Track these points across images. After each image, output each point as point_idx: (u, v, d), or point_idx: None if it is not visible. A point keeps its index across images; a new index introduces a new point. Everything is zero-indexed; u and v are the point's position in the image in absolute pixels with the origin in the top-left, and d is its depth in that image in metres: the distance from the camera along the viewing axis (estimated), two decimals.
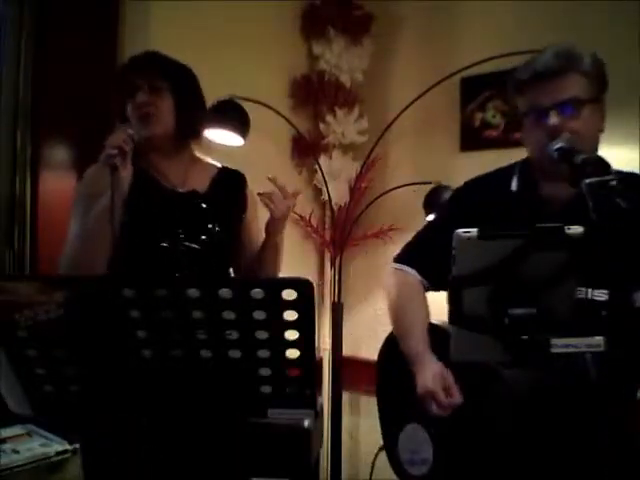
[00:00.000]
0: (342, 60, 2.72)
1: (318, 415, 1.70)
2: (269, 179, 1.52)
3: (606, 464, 1.24)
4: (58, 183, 2.10)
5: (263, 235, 1.59)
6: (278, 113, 2.39)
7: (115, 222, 1.35)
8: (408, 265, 1.49)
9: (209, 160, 1.67)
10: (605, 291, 1.23)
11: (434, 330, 1.40)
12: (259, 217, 1.66)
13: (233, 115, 2.16)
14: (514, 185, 1.39)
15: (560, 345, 0.98)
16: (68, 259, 1.44)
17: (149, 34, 2.16)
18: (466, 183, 1.50)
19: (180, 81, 1.54)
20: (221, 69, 2.24)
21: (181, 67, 1.59)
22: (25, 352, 0.96)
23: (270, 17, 2.58)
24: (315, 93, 2.76)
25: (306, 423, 1.53)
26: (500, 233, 1.02)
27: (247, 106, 2.22)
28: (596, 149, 1.31)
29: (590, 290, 1.24)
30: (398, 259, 1.53)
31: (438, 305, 1.44)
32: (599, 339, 0.98)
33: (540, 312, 1.01)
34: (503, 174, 1.43)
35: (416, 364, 1.34)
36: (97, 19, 2.15)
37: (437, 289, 1.48)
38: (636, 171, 1.47)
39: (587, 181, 1.08)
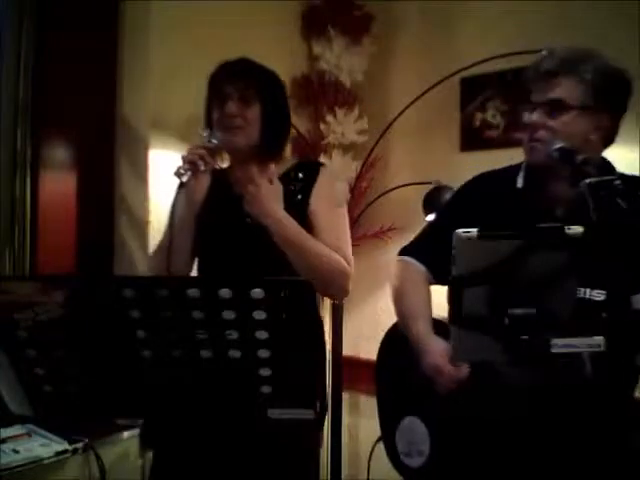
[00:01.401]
0: (342, 60, 2.71)
1: (318, 415, 1.70)
2: None
3: (601, 462, 1.25)
4: (58, 183, 2.10)
5: (341, 226, 1.49)
6: None
7: (181, 239, 1.40)
8: (413, 257, 1.50)
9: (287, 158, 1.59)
10: (603, 291, 1.24)
11: (436, 325, 1.40)
12: (337, 207, 1.52)
13: None
14: (520, 182, 1.40)
15: (560, 345, 0.98)
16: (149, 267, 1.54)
17: (149, 34, 2.16)
18: (474, 177, 1.50)
19: (270, 94, 1.50)
20: None
21: (273, 78, 1.55)
22: (25, 352, 0.96)
23: (270, 17, 2.58)
24: (315, 93, 2.76)
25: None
26: (500, 233, 1.02)
27: None
28: (598, 155, 1.32)
29: (588, 290, 1.24)
30: (403, 251, 1.54)
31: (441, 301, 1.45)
32: (599, 339, 0.98)
33: (540, 312, 1.01)
34: (510, 171, 1.44)
35: (421, 344, 1.34)
36: (97, 19, 2.15)
37: (442, 283, 1.48)
38: (636, 171, 1.47)
39: (587, 181, 1.08)
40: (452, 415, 1.33)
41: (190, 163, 1.37)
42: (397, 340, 1.45)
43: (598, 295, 1.24)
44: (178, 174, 1.37)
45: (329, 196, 1.50)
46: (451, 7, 2.61)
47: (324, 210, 1.47)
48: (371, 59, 2.77)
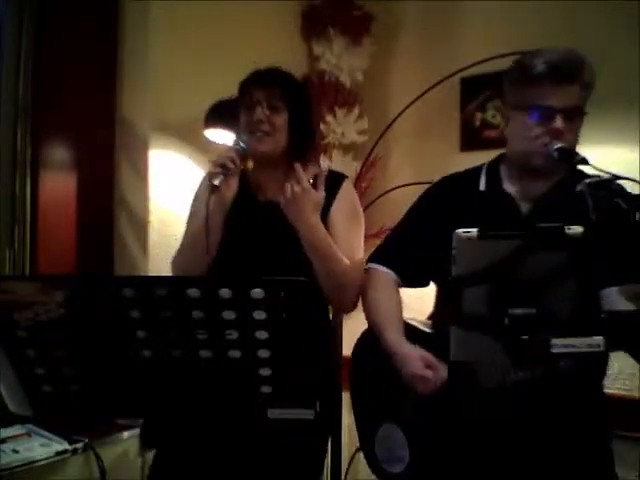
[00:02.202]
0: (342, 60, 2.71)
1: (318, 415, 1.70)
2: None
3: (575, 461, 1.26)
4: (58, 183, 2.10)
5: (357, 239, 1.53)
6: None
7: (211, 239, 1.41)
8: (381, 264, 1.50)
9: (314, 166, 1.59)
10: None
11: (407, 329, 1.41)
12: (356, 222, 1.55)
13: (233, 115, 2.15)
14: (482, 185, 1.42)
15: (560, 345, 0.98)
16: (174, 265, 1.55)
17: (149, 34, 2.15)
18: (438, 181, 1.52)
19: (298, 103, 1.54)
20: (221, 69, 2.24)
21: (301, 88, 1.60)
22: (25, 352, 0.96)
23: (270, 17, 2.58)
24: (315, 93, 2.76)
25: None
26: (500, 233, 1.02)
27: None
28: None
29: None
30: (371, 258, 1.54)
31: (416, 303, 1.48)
32: (599, 339, 0.98)
33: (540, 312, 1.01)
34: (472, 174, 1.45)
35: (396, 354, 1.34)
36: (97, 19, 2.15)
37: (411, 286, 1.50)
38: (636, 171, 1.48)
39: (587, 181, 1.08)
40: (429, 420, 1.33)
41: (222, 166, 1.41)
42: (371, 343, 1.45)
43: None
44: (211, 177, 1.40)
45: (349, 209, 1.54)
46: (451, 7, 2.61)
47: (343, 222, 1.51)
48: (371, 59, 2.77)
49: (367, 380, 1.53)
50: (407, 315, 1.47)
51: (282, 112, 1.50)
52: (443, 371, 1.26)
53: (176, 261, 1.55)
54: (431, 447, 1.34)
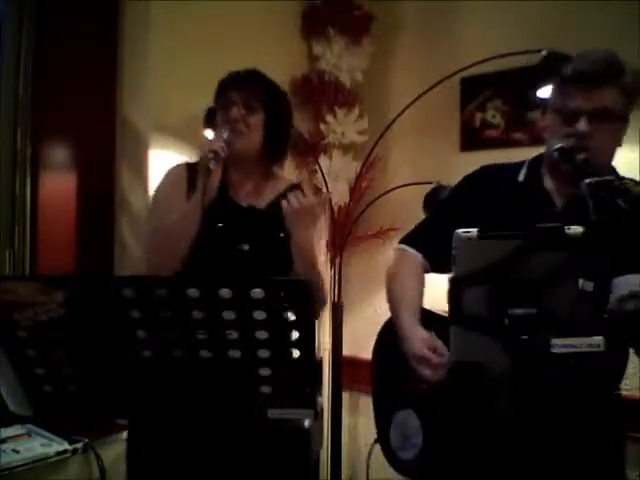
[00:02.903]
0: (342, 60, 2.71)
1: (318, 415, 1.70)
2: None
3: (587, 461, 1.26)
4: (58, 183, 2.10)
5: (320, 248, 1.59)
6: None
7: (189, 233, 1.44)
8: (412, 246, 1.51)
9: (285, 177, 1.70)
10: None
11: (425, 315, 1.40)
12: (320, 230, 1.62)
13: None
14: (522, 176, 1.43)
15: (560, 345, 0.98)
16: (151, 253, 1.53)
17: (149, 34, 2.16)
18: (477, 170, 1.52)
19: (273, 105, 1.58)
20: (221, 69, 2.24)
21: (277, 91, 1.63)
22: (25, 352, 0.96)
23: (270, 17, 2.58)
24: (315, 93, 2.76)
25: (306, 423, 1.53)
26: (500, 233, 1.02)
27: None
28: (610, 162, 1.33)
29: (581, 281, 1.24)
30: (403, 240, 1.56)
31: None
32: (599, 339, 0.98)
33: (540, 312, 1.01)
34: (514, 166, 1.47)
35: (404, 332, 1.35)
36: (97, 19, 2.15)
37: (439, 271, 1.47)
38: (636, 171, 1.48)
39: (587, 181, 1.08)
40: (444, 408, 1.32)
41: (214, 152, 1.45)
42: (391, 333, 1.46)
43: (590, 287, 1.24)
44: (205, 161, 1.45)
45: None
46: (451, 7, 2.61)
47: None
48: (371, 59, 2.77)
49: (386, 368, 1.54)
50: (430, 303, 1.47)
51: (258, 112, 1.54)
52: (445, 359, 1.26)
53: (151, 260, 1.52)
54: (443, 437, 1.35)
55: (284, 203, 1.47)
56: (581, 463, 1.27)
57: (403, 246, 1.53)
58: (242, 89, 1.54)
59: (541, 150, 1.42)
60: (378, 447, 1.55)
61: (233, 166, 1.58)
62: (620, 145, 1.33)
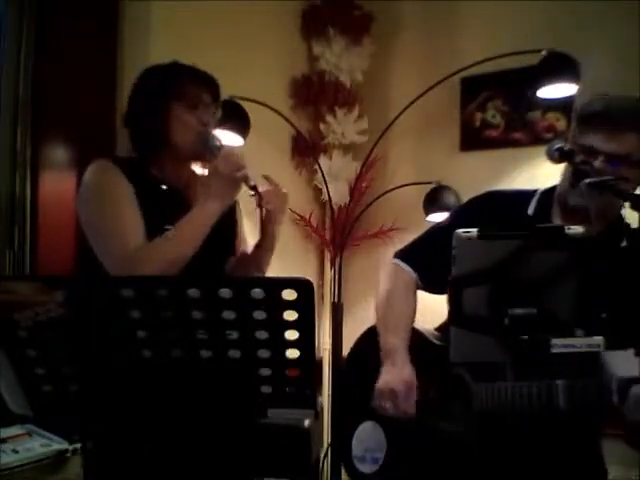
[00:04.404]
0: (342, 60, 2.72)
1: (318, 415, 1.70)
2: (264, 177, 1.51)
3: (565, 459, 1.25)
4: (58, 183, 2.10)
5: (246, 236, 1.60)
6: (278, 113, 2.39)
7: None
8: (405, 262, 1.49)
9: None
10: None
11: (417, 336, 1.41)
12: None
13: (233, 115, 2.15)
14: (531, 209, 1.40)
15: (560, 345, 0.98)
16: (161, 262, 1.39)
17: (149, 34, 2.16)
18: (483, 195, 1.49)
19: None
20: (221, 69, 2.23)
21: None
22: (25, 352, 0.96)
23: (270, 17, 2.58)
24: (315, 93, 2.76)
25: (306, 423, 1.53)
26: (500, 233, 1.02)
27: (247, 106, 2.21)
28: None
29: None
30: (397, 254, 1.54)
31: (429, 311, 1.45)
32: (599, 339, 0.98)
33: (540, 312, 1.01)
34: (524, 195, 1.43)
35: (389, 359, 1.34)
36: (97, 19, 2.15)
37: (430, 290, 1.48)
38: None
39: (587, 181, 1.08)
40: (412, 426, 1.32)
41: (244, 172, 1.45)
42: (368, 342, 1.45)
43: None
44: (247, 179, 1.44)
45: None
46: (451, 7, 2.62)
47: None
48: (371, 59, 2.78)
49: (359, 375, 1.51)
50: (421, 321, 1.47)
51: (215, 113, 1.53)
52: (413, 408, 1.29)
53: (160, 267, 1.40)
54: (408, 452, 1.34)
55: (264, 204, 1.46)
56: (562, 461, 1.26)
57: (397, 261, 1.51)
58: (210, 88, 1.52)
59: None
60: None
61: (175, 160, 1.54)
62: (635, 189, 1.29)
